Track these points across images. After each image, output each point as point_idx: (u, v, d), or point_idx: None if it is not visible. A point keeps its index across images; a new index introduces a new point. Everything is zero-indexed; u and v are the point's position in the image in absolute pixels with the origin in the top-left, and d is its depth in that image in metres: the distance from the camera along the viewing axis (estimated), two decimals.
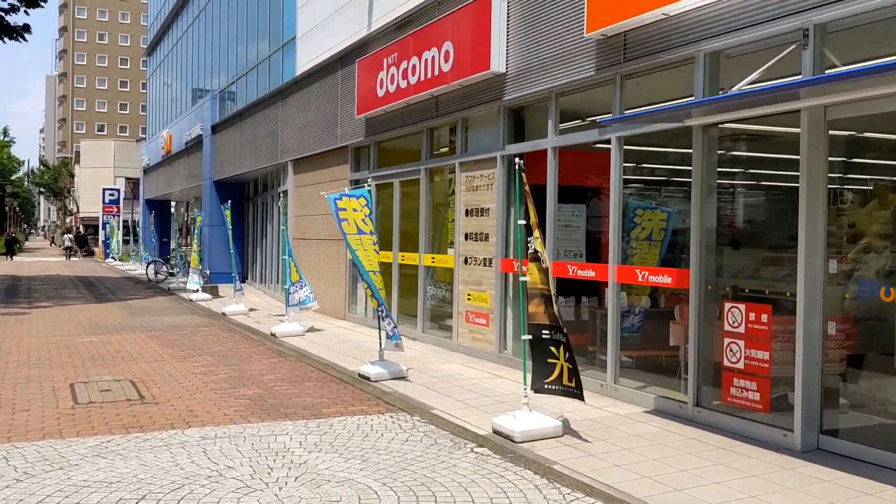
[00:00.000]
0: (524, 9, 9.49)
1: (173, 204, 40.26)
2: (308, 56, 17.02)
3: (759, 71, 6.37)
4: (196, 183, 27.41)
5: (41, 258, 48.24)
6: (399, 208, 13.10)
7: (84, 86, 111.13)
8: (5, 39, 23.00)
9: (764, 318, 6.43)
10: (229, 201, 17.18)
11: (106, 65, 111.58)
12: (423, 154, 12.25)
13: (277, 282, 19.96)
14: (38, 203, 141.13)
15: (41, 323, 14.67)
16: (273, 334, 12.96)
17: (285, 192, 18.88)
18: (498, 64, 9.79)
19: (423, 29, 11.45)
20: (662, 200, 9.46)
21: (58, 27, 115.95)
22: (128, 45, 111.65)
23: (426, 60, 11.28)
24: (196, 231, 20.60)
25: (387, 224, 13.59)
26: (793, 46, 6.20)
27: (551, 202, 9.17)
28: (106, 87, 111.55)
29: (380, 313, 9.52)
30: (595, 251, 9.56)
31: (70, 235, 50.40)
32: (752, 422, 6.54)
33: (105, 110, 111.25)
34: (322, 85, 16.13)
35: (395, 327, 9.58)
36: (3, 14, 23.56)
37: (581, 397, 6.75)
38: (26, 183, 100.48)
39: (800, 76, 6.16)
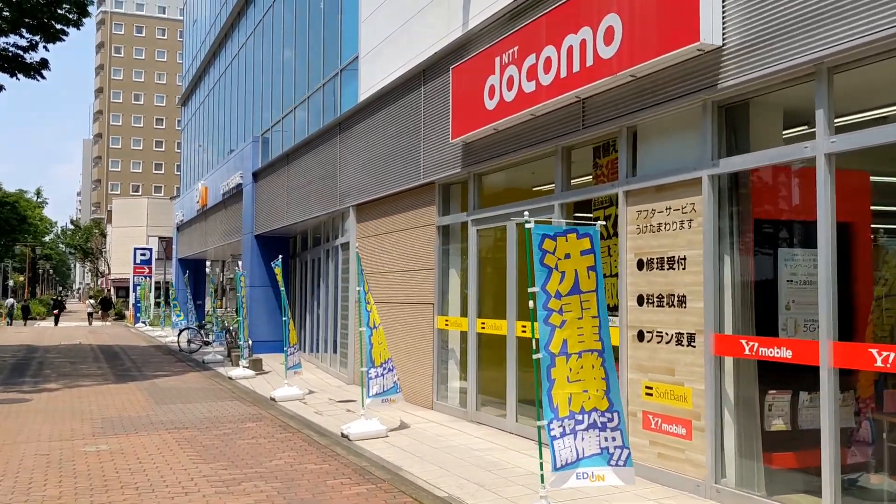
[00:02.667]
0: None
1: (208, 263, 37.27)
2: (375, 77, 13.80)
3: None
4: (234, 238, 24.24)
5: (69, 322, 45.38)
6: (517, 261, 9.59)
7: (119, 146, 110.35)
8: (20, 76, 20.22)
9: None
10: (280, 257, 13.80)
11: (141, 125, 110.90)
12: (557, 184, 8.78)
13: (334, 352, 16.47)
14: (74, 265, 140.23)
15: (40, 417, 11.27)
16: (346, 436, 9.39)
17: (345, 245, 15.50)
18: (710, 34, 6.35)
19: (563, 5, 8.08)
20: None
21: (94, 89, 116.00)
22: (163, 104, 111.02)
23: (569, 48, 7.89)
24: (240, 295, 17.24)
25: (497, 283, 10.11)
26: None
27: (826, 249, 5.61)
28: (141, 147, 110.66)
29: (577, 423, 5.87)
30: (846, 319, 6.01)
31: (92, 301, 47.70)
32: None
33: (140, 170, 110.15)
34: (396, 109, 12.84)
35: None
36: (21, 52, 20.93)
37: None
38: (60, 245, 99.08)
39: None
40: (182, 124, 40.26)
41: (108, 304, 49.11)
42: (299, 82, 19.16)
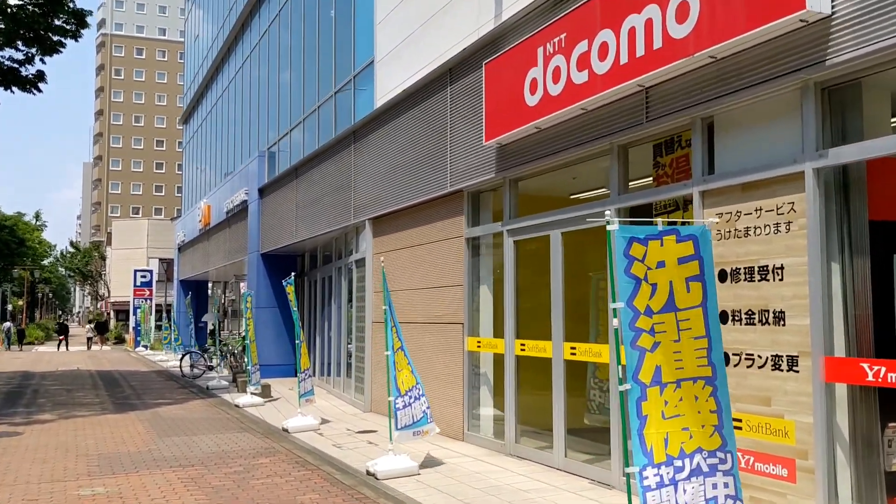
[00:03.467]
0: None
1: (210, 285, 36.25)
2: (393, 80, 12.86)
3: None
4: (239, 257, 23.23)
5: (62, 347, 44.15)
6: (562, 274, 8.57)
7: (119, 168, 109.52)
8: (14, 90, 19.28)
9: None
10: (293, 274, 12.75)
11: (142, 147, 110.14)
12: (612, 186, 7.77)
13: (348, 376, 15.41)
14: (74, 289, 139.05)
15: (30, 454, 10.19)
16: (372, 474, 8.32)
17: (359, 262, 14.48)
18: (817, 0, 5.37)
19: None
20: None
21: (94, 111, 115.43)
22: (164, 126, 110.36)
23: (630, 30, 6.91)
24: (246, 317, 16.17)
25: (538, 300, 9.08)
26: None
27: None
28: (141, 170, 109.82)
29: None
30: None
31: (91, 325, 46.53)
32: None
33: (140, 192, 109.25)
34: (417, 113, 11.87)
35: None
36: (16, 66, 20.00)
37: None
38: (60, 269, 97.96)
39: None
40: (183, 143, 39.38)
41: (103, 328, 47.86)
42: (308, 93, 18.24)
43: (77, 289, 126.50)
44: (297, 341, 12.44)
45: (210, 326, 36.24)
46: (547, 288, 10.59)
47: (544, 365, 8.85)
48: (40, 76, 19.48)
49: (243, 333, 29.19)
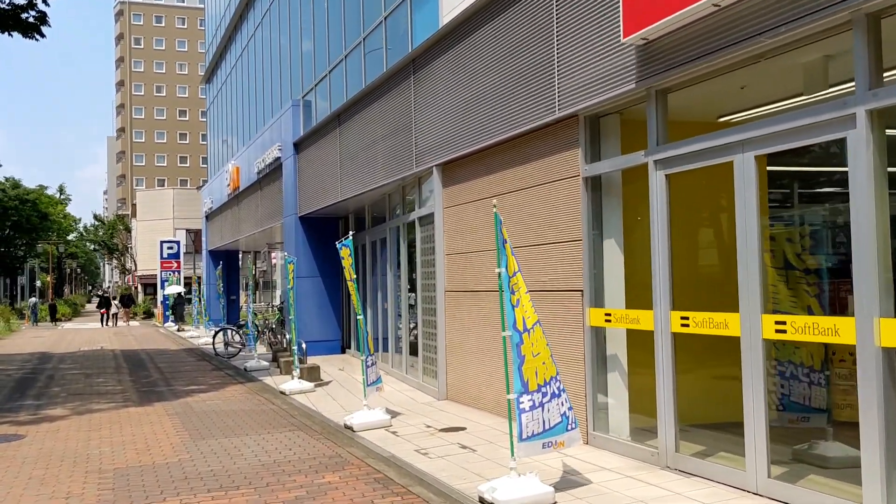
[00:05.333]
0: None
1: (240, 254, 34.05)
2: None
3: None
4: (273, 222, 20.83)
5: (94, 324, 42.41)
6: (757, 215, 5.98)
7: (143, 140, 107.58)
8: (11, 34, 16.93)
9: None
10: (351, 234, 10.22)
11: (164, 117, 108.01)
12: (859, 77, 5.13)
13: (411, 354, 13.02)
14: (103, 263, 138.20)
15: (26, 468, 7.89)
16: (490, 503, 5.89)
17: (425, 218, 11.99)
18: None
19: None
20: None
21: (114, 82, 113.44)
22: (186, 95, 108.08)
23: None
24: (289, 287, 13.75)
25: (706, 257, 6.55)
26: None
27: None
28: (165, 141, 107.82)
29: None
30: None
31: (117, 301, 44.24)
32: None
33: (165, 164, 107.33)
34: (504, 21, 9.26)
35: None
36: (17, 10, 17.61)
37: None
38: (87, 243, 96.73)
39: None
40: (207, 103, 36.91)
41: (128, 301, 45.79)
42: (349, 25, 15.63)
43: (105, 263, 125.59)
44: (357, 316, 9.97)
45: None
46: (717, 239, 8.03)
47: (717, 346, 6.33)
48: (42, 18, 17.07)
49: (277, 305, 27.03)
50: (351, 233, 10.22)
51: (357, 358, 17.49)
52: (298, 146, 18.75)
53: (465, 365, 10.61)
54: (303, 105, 18.75)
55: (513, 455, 6.14)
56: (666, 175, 6.83)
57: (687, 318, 6.57)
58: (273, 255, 38.03)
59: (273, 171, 20.58)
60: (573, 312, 8.09)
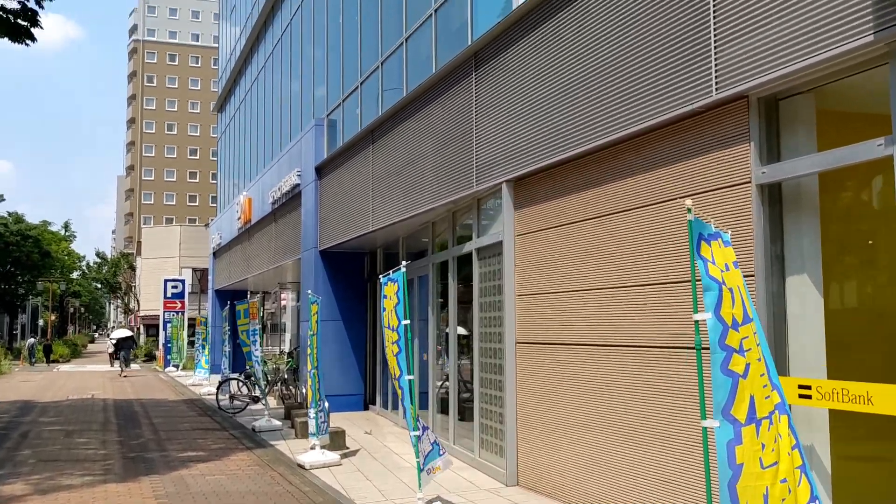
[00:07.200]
0: None
1: (249, 294, 31.54)
2: None
3: None
4: (290, 257, 18.43)
5: (93, 366, 39.80)
6: None
7: (152, 178, 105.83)
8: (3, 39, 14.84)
9: None
10: (403, 265, 7.71)
11: (175, 156, 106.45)
12: None
13: (462, 419, 10.46)
14: (109, 303, 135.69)
15: None
16: None
17: (485, 249, 9.54)
18: None
19: None
20: None
21: (125, 119, 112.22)
22: (197, 134, 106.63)
23: None
24: (310, 332, 11.24)
25: None
26: None
27: None
28: (174, 179, 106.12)
29: None
30: None
31: (111, 341, 40.62)
32: None
33: (173, 203, 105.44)
34: None
35: None
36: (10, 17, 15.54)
37: None
38: (92, 282, 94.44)
39: None
40: (218, 131, 34.78)
41: (127, 344, 41.39)
42: (387, 28, 13.37)
43: (109, 303, 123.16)
44: (408, 377, 7.40)
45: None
46: None
47: None
48: (33, 20, 14.91)
49: (288, 350, 24.39)
50: (404, 263, 7.73)
51: (384, 417, 14.93)
52: (321, 171, 16.41)
53: (548, 442, 8.06)
54: (327, 124, 16.46)
55: None
56: None
57: None
58: (283, 295, 35.56)
59: (290, 201, 18.24)
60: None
